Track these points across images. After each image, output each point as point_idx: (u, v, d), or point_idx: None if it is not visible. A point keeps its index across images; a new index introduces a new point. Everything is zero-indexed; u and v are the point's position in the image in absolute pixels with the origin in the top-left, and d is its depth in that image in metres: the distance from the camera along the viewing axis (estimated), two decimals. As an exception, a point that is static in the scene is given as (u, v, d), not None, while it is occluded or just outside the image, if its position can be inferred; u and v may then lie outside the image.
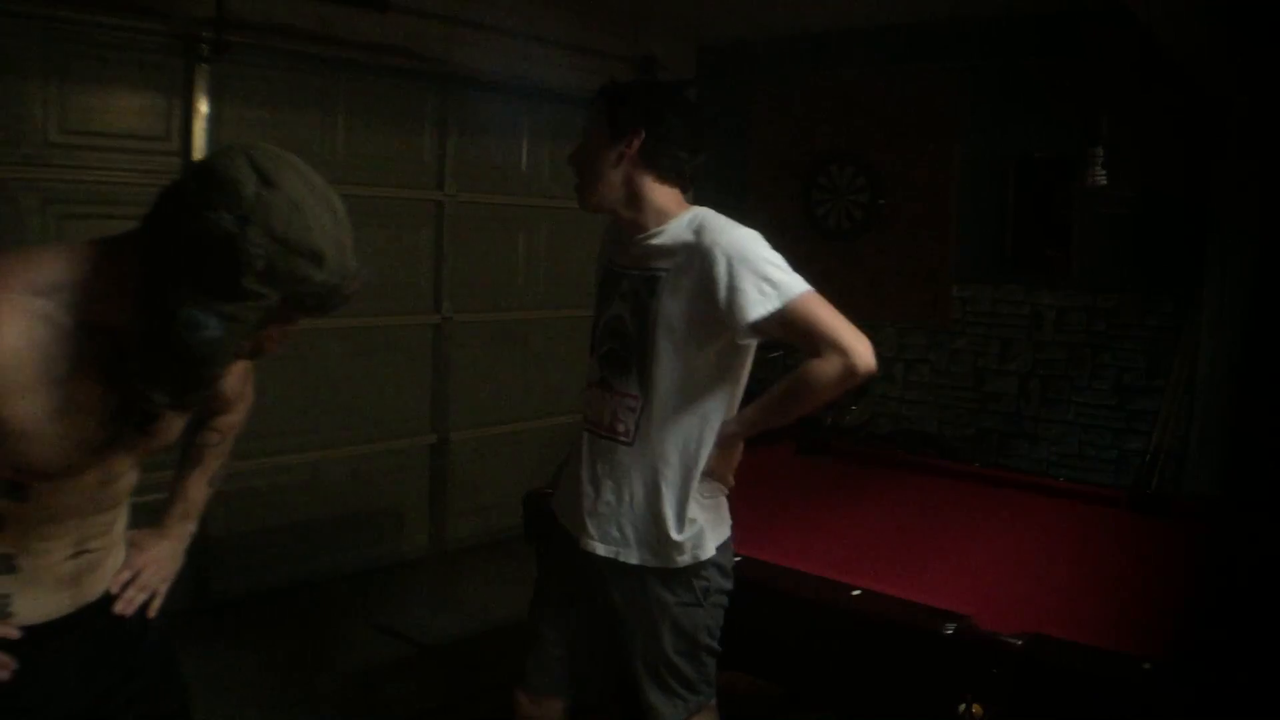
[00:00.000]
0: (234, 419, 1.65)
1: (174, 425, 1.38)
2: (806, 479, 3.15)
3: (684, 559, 1.88)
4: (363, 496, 4.43)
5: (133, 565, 1.49)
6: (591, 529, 1.93)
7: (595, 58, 5.06)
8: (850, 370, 1.74)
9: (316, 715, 3.15)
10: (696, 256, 1.81)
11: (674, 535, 1.87)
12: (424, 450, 4.67)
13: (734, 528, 2.23)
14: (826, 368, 1.75)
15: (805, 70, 5.28)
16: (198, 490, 1.65)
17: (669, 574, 1.90)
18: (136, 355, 1.16)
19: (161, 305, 1.11)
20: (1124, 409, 4.48)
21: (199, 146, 3.73)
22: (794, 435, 3.66)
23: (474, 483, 4.80)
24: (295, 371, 4.11)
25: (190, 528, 1.65)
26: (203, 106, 3.72)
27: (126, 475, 1.38)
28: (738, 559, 2.19)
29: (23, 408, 1.14)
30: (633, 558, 1.90)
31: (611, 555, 1.91)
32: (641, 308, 1.88)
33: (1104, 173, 3.71)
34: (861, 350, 1.75)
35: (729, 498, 2.01)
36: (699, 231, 1.84)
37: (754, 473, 3.17)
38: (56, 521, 1.30)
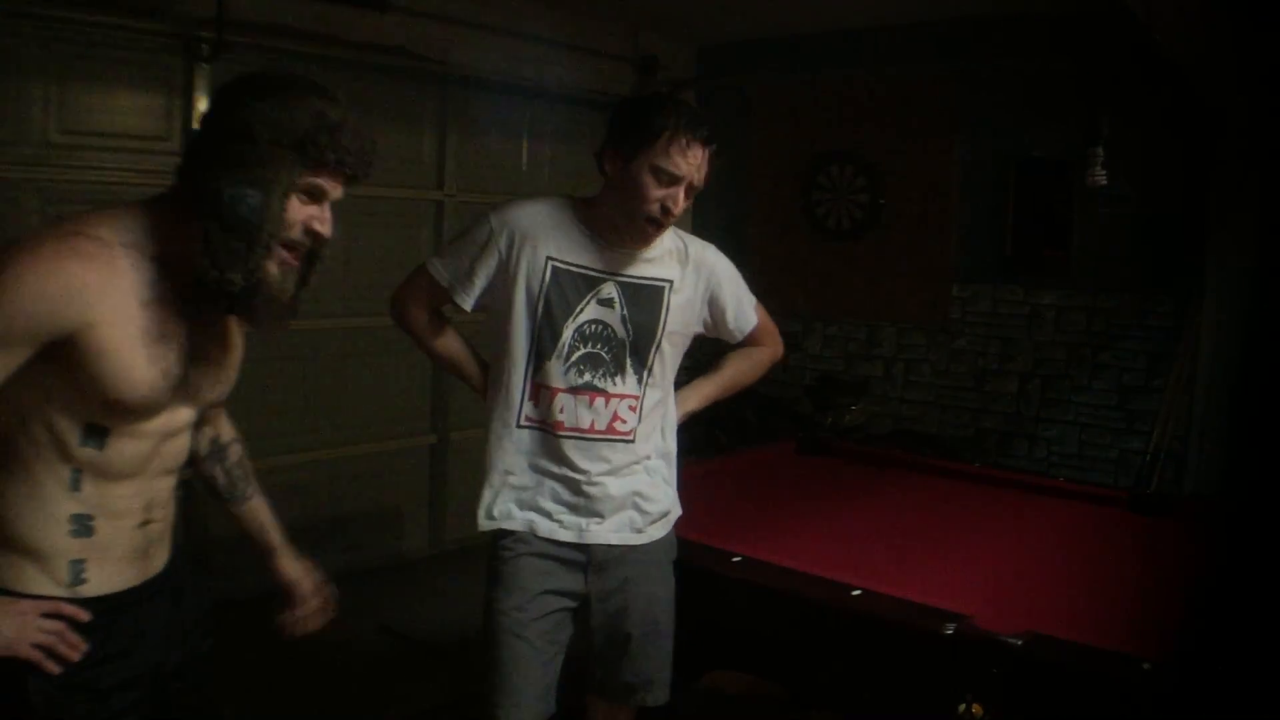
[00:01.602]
0: (236, 444, 1.80)
1: (230, 372, 1.51)
2: (806, 479, 3.15)
3: (673, 516, 2.13)
4: (363, 496, 4.44)
5: (305, 590, 1.90)
6: (602, 524, 2.02)
7: (595, 58, 5.06)
8: (780, 358, 2.31)
9: (317, 715, 3.15)
10: (701, 271, 2.08)
11: (668, 505, 2.11)
12: (424, 450, 4.68)
13: (734, 528, 2.24)
14: (769, 355, 2.27)
15: (805, 70, 5.28)
16: (262, 500, 1.88)
17: (669, 544, 2.11)
18: (206, 251, 1.30)
19: (210, 201, 1.29)
20: (1124, 409, 4.48)
21: (199, 146, 3.73)
22: (794, 435, 3.67)
23: (474, 483, 4.78)
24: (295, 371, 4.11)
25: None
26: (202, 106, 3.72)
27: (184, 433, 1.47)
28: (737, 559, 2.19)
29: (118, 327, 1.28)
30: (643, 537, 2.05)
31: (626, 541, 2.03)
32: (643, 314, 2.01)
33: (1104, 173, 3.70)
34: (782, 343, 2.31)
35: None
36: (689, 245, 2.09)
37: (754, 473, 3.18)
38: (128, 478, 1.38)
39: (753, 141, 5.59)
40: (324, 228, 1.39)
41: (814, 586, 2.08)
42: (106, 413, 1.32)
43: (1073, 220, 4.55)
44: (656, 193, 1.89)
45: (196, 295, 1.35)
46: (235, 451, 1.77)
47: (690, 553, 2.21)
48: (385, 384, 4.44)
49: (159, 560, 1.49)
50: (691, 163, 1.89)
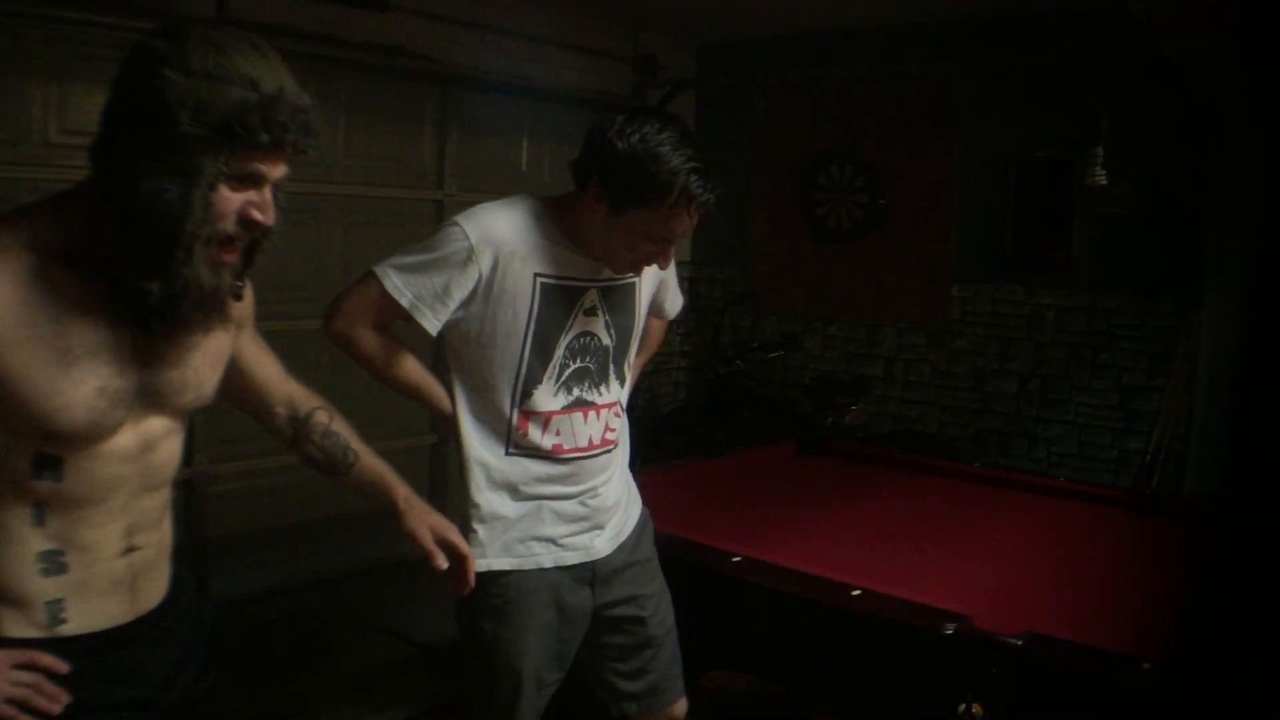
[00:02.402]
0: (319, 411, 1.70)
1: (202, 372, 1.33)
2: (806, 479, 3.15)
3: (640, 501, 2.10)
4: (363, 497, 4.43)
5: (440, 530, 1.65)
6: (607, 536, 1.96)
7: (595, 58, 5.06)
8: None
9: (317, 715, 3.15)
10: None
11: (639, 497, 2.09)
12: (424, 450, 4.67)
13: (734, 528, 2.24)
14: (665, 330, 2.30)
15: (805, 70, 5.28)
16: (371, 459, 1.71)
17: (647, 527, 2.08)
18: (120, 254, 1.14)
19: (122, 195, 1.11)
20: (1124, 409, 4.48)
21: (199, 146, 3.73)
22: (794, 435, 3.67)
23: (474, 483, 4.80)
24: (295, 372, 4.10)
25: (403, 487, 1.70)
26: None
27: (167, 443, 1.31)
28: (737, 559, 2.19)
29: (23, 347, 1.11)
30: (637, 534, 2.02)
31: (626, 541, 1.99)
32: (621, 318, 1.94)
33: (1104, 173, 3.70)
34: None
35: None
36: None
37: (754, 473, 3.18)
38: (101, 503, 1.23)
39: (753, 141, 5.59)
40: (264, 215, 1.18)
41: (814, 586, 2.08)
42: (50, 441, 1.17)
43: (1073, 220, 4.55)
44: (645, 248, 1.78)
45: (115, 302, 1.18)
46: (320, 421, 1.63)
47: (690, 553, 2.21)
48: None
49: (153, 592, 1.33)
50: (686, 225, 1.77)
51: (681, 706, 2.07)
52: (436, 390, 1.97)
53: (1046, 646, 1.78)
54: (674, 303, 2.18)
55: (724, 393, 5.08)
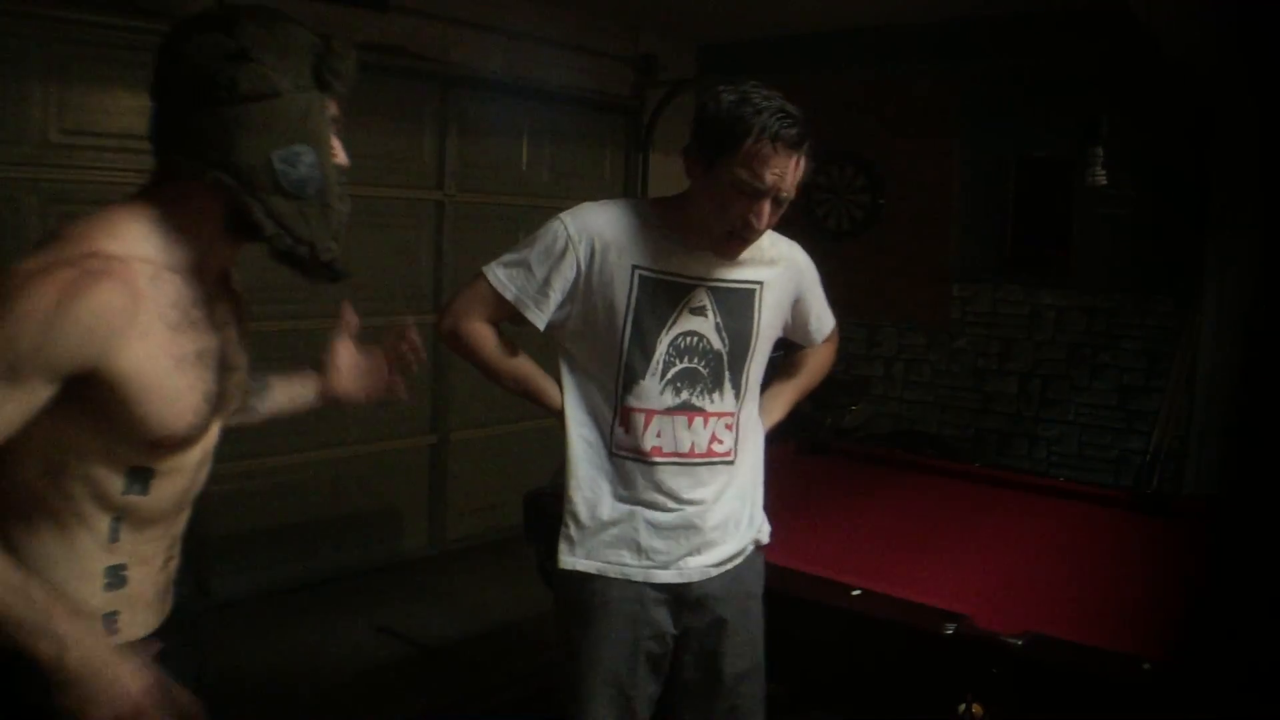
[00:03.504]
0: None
1: (245, 379, 1.36)
2: (806, 479, 3.15)
3: (765, 532, 1.94)
4: (363, 496, 4.43)
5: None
6: (703, 558, 1.84)
7: (595, 58, 5.06)
8: (835, 351, 2.20)
9: (317, 715, 3.15)
10: (790, 270, 1.93)
11: (759, 521, 1.93)
12: (424, 450, 4.67)
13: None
14: (833, 350, 2.18)
15: (805, 70, 5.28)
16: (282, 385, 1.62)
17: (756, 560, 1.93)
18: (282, 230, 1.18)
19: (258, 177, 1.15)
20: (1124, 409, 4.48)
21: (199, 146, 3.73)
22: (794, 435, 3.66)
23: (474, 483, 4.80)
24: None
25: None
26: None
27: (211, 454, 1.34)
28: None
29: (151, 360, 1.14)
30: (739, 558, 1.89)
31: (723, 571, 1.86)
32: (737, 321, 1.83)
33: (1104, 173, 3.71)
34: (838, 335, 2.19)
35: None
36: (777, 245, 1.92)
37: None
38: (161, 521, 1.26)
39: (753, 141, 5.58)
40: (343, 157, 1.26)
41: (814, 586, 2.08)
42: (150, 453, 1.19)
43: (1073, 220, 4.56)
44: (737, 207, 1.67)
45: (235, 296, 1.25)
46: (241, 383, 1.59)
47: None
48: (385, 384, 4.43)
49: (169, 601, 1.36)
50: (776, 172, 1.65)
51: None
52: (546, 386, 1.89)
53: (1046, 646, 1.78)
54: (820, 323, 2.04)
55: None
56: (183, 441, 1.21)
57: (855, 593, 2.02)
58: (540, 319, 1.79)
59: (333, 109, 1.23)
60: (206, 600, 3.76)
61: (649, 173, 5.46)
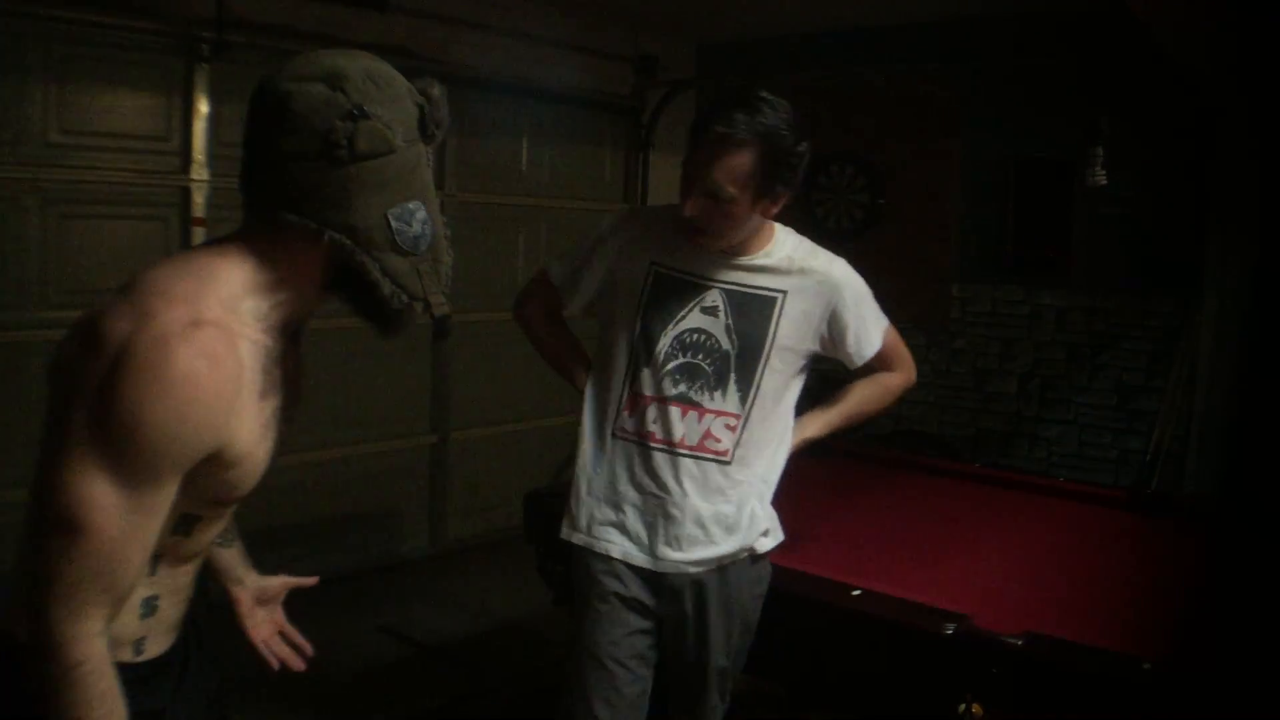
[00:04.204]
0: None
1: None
2: (807, 479, 3.14)
3: (766, 544, 1.94)
4: (363, 496, 4.44)
5: (276, 620, 1.61)
6: (678, 550, 1.88)
7: (595, 58, 5.06)
8: (911, 384, 2.13)
9: (317, 715, 3.15)
10: (824, 285, 1.90)
11: (760, 530, 1.92)
12: (424, 450, 4.67)
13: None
14: (900, 381, 2.09)
15: (805, 70, 5.28)
16: (241, 547, 1.67)
17: (750, 568, 1.94)
18: (394, 293, 1.17)
19: (373, 234, 1.14)
20: (1124, 409, 4.48)
21: (199, 146, 3.74)
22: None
23: (474, 483, 4.80)
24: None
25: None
26: (203, 106, 3.72)
27: None
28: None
29: (246, 429, 1.13)
30: (725, 561, 1.90)
31: (705, 569, 1.89)
32: (750, 325, 1.87)
33: (1104, 173, 3.70)
34: (914, 366, 2.13)
35: None
36: (813, 257, 1.92)
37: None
38: (196, 557, 1.26)
39: (753, 141, 5.58)
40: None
41: (814, 586, 2.08)
42: (209, 505, 1.20)
43: (1073, 220, 4.55)
44: (686, 205, 1.75)
45: (374, 317, 1.22)
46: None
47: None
48: (385, 384, 4.44)
49: (182, 623, 1.37)
50: (707, 169, 1.70)
51: None
52: (571, 365, 2.04)
53: (1046, 646, 1.78)
54: (860, 344, 1.96)
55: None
56: (247, 495, 1.22)
57: (855, 593, 2.02)
58: (574, 305, 1.97)
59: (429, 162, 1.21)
60: (206, 600, 3.76)
61: (649, 173, 5.46)
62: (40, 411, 1.14)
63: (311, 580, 1.64)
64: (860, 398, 2.09)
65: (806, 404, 2.05)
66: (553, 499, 2.46)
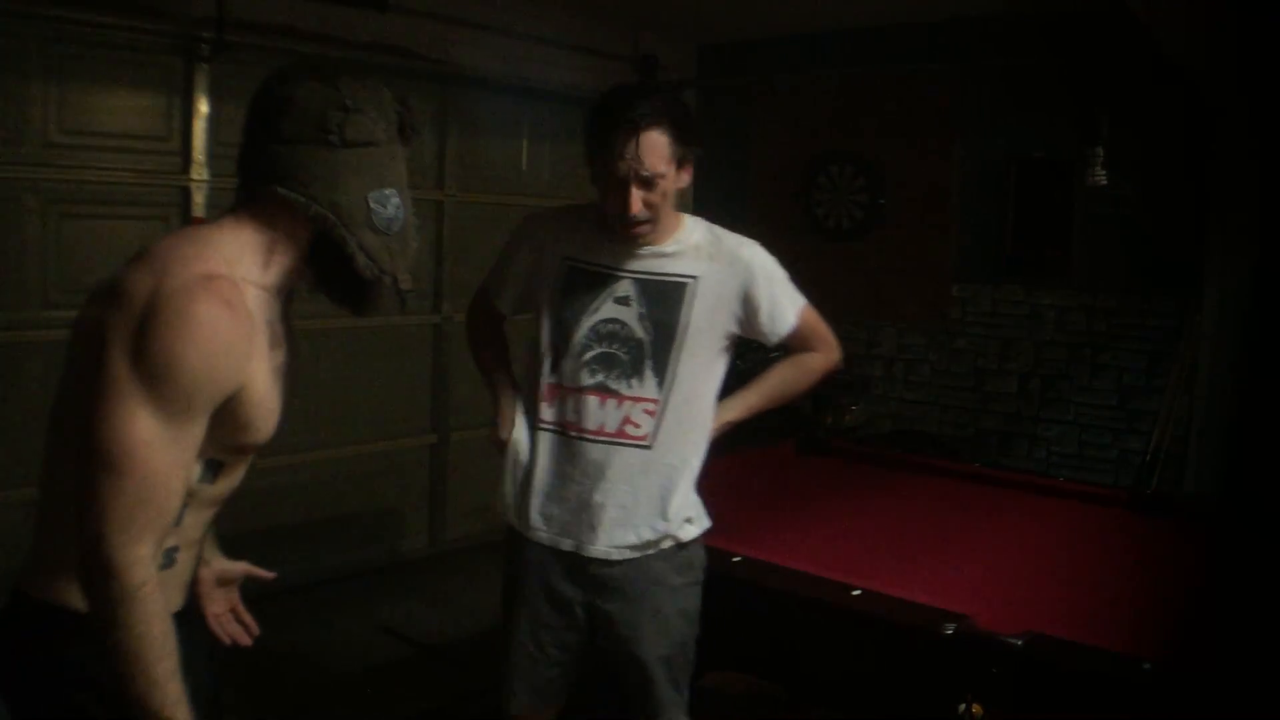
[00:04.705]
0: None
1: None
2: (806, 479, 3.15)
3: (690, 531, 1.97)
4: (363, 496, 4.44)
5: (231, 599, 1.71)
6: (601, 536, 1.92)
7: (595, 58, 5.06)
8: (835, 364, 2.14)
9: (317, 715, 3.16)
10: (735, 267, 1.96)
11: (683, 518, 1.96)
12: (424, 450, 4.67)
13: (734, 528, 2.23)
14: (821, 361, 2.11)
15: (805, 70, 5.28)
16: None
17: (677, 554, 1.96)
18: (369, 260, 1.31)
19: (355, 214, 1.30)
20: (1124, 409, 4.48)
21: (199, 146, 3.74)
22: (794, 435, 3.66)
23: (474, 483, 4.80)
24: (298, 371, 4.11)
25: None
26: (203, 106, 3.72)
27: None
28: (737, 559, 2.19)
29: (260, 374, 1.28)
30: (649, 549, 1.94)
31: (625, 557, 1.92)
32: (663, 312, 1.92)
33: (1104, 173, 3.71)
34: (838, 347, 2.13)
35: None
36: (721, 241, 1.99)
37: (754, 473, 3.18)
38: (214, 506, 1.37)
39: (753, 141, 5.59)
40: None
41: (814, 586, 2.08)
42: (232, 450, 1.32)
43: (1073, 220, 4.55)
44: (611, 197, 1.86)
45: (342, 292, 1.38)
46: None
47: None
48: (385, 384, 4.44)
49: (188, 587, 1.45)
50: (627, 157, 1.79)
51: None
52: (502, 382, 2.09)
53: (1046, 646, 1.78)
54: (774, 321, 1.99)
55: (724, 393, 5.08)
56: (264, 443, 1.35)
57: (855, 593, 2.02)
58: (502, 305, 2.08)
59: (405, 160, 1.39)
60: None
61: (649, 173, 5.46)
62: (41, 411, 1.22)
63: (270, 574, 1.76)
64: (780, 379, 2.11)
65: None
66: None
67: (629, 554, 1.92)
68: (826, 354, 2.11)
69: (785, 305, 2.01)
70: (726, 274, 1.95)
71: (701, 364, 1.96)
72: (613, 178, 1.83)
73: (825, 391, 4.87)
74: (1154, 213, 4.32)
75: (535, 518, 1.96)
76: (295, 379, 1.44)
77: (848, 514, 2.75)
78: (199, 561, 1.44)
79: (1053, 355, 4.67)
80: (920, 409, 5.07)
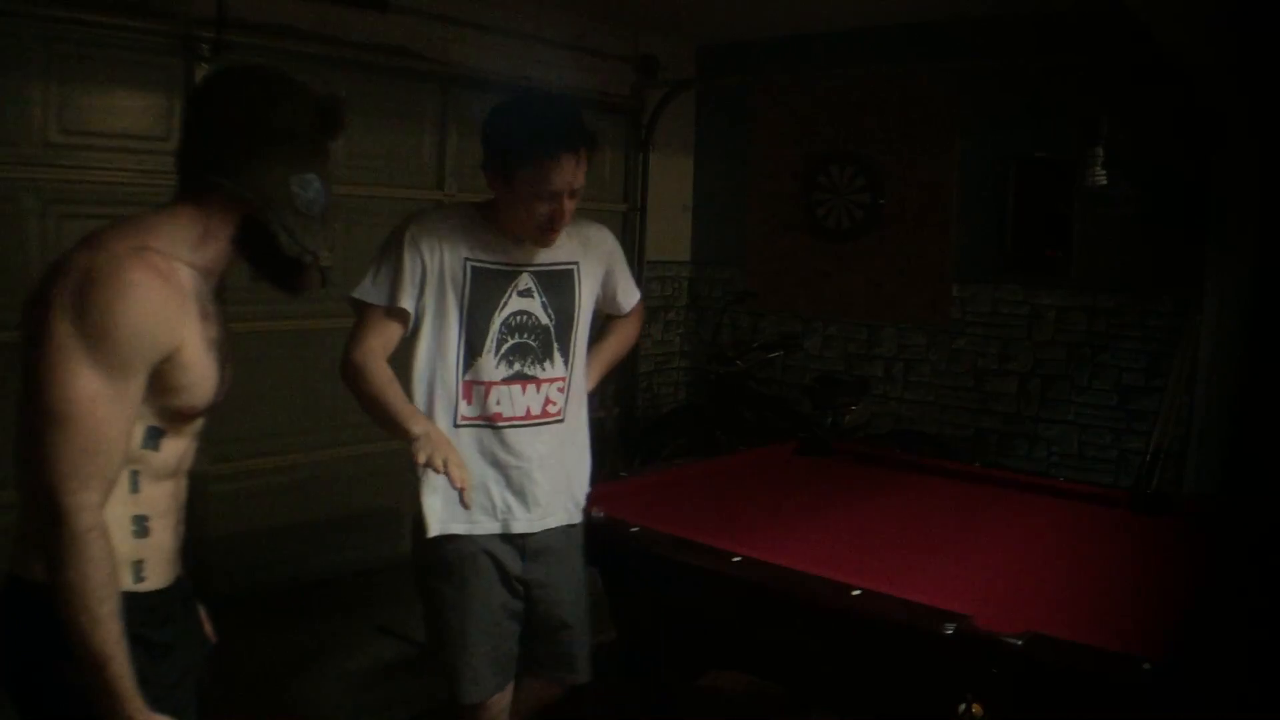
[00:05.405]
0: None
1: (232, 367, 1.55)
2: (806, 479, 3.15)
3: (578, 516, 2.27)
4: (363, 496, 4.43)
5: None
6: (539, 511, 2.16)
7: (595, 58, 5.07)
8: (640, 327, 2.49)
9: (317, 715, 3.15)
10: (602, 249, 2.25)
11: (586, 488, 2.29)
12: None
13: (734, 528, 2.23)
14: (637, 327, 2.47)
15: (805, 70, 5.28)
16: None
17: (579, 522, 2.27)
18: (289, 235, 1.43)
19: (279, 196, 1.41)
20: (1124, 409, 4.48)
21: (199, 146, 3.73)
22: (794, 435, 3.67)
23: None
24: (295, 371, 4.11)
25: None
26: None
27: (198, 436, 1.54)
28: (737, 559, 2.19)
29: (193, 341, 1.38)
30: (575, 516, 2.24)
31: (557, 525, 2.19)
32: (560, 298, 2.16)
33: (1104, 173, 3.71)
34: (644, 312, 2.47)
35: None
36: (586, 227, 2.24)
37: (754, 473, 3.18)
38: (173, 476, 1.46)
39: (753, 141, 5.59)
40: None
41: (814, 586, 2.08)
42: (170, 417, 1.41)
43: (1073, 220, 4.55)
44: (541, 209, 2.01)
45: (274, 273, 1.50)
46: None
47: (690, 553, 2.21)
48: (385, 384, 4.43)
49: (180, 565, 1.53)
50: (565, 176, 1.98)
51: (555, 691, 2.28)
52: (407, 416, 2.06)
53: (1046, 646, 1.78)
54: (627, 294, 2.34)
55: (724, 393, 5.08)
56: (202, 412, 1.45)
57: (855, 593, 2.02)
58: (410, 302, 2.06)
59: (330, 145, 1.51)
60: (206, 600, 3.76)
61: (649, 173, 5.47)
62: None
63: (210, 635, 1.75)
64: (615, 351, 2.43)
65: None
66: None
67: (558, 523, 2.19)
68: (639, 319, 2.45)
69: (631, 281, 2.34)
70: (595, 256, 2.23)
71: (585, 337, 2.23)
72: (545, 190, 1.98)
73: (825, 391, 4.88)
74: (1154, 213, 4.32)
75: (477, 512, 2.10)
76: (230, 357, 1.52)
77: (848, 514, 2.75)
78: (182, 540, 1.51)
79: (1053, 355, 4.67)
80: (920, 409, 5.08)
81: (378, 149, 4.31)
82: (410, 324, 2.09)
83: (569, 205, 2.03)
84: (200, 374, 1.40)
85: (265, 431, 4.10)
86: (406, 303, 2.05)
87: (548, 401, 2.16)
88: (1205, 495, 3.88)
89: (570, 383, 2.19)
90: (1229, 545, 2.55)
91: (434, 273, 2.05)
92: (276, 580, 4.02)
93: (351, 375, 2.10)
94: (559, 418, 2.18)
